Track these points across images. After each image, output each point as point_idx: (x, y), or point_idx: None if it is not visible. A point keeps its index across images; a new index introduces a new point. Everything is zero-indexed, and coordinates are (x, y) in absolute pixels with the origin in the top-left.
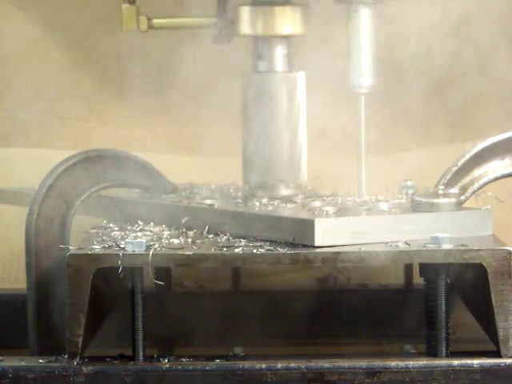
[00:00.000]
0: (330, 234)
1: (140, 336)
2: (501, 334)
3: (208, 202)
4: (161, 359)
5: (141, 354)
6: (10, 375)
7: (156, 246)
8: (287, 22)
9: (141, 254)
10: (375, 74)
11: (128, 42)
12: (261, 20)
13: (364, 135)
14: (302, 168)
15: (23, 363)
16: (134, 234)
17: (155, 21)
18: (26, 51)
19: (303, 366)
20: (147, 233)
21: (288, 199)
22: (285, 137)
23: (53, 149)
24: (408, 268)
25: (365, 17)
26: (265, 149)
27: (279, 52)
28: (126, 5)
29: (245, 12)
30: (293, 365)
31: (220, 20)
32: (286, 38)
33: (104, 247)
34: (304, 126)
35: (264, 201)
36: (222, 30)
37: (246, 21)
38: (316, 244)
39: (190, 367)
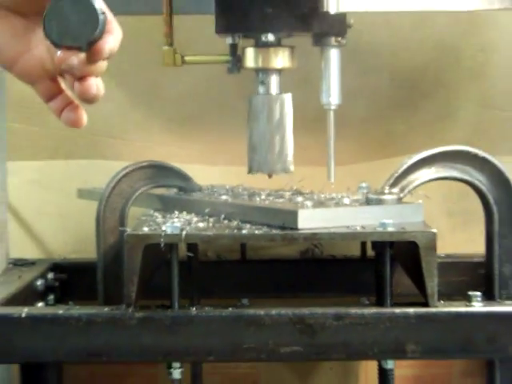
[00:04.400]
0: (309, 220)
1: (176, 292)
2: (429, 290)
3: (224, 197)
4: (190, 308)
5: (176, 304)
6: (84, 319)
7: (187, 228)
8: (279, 58)
9: (177, 234)
10: (341, 95)
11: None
12: (260, 57)
13: (333, 142)
14: (289, 158)
15: (94, 311)
16: (171, 220)
17: (187, 58)
18: None
19: (290, 313)
20: (181, 219)
21: (279, 195)
22: (277, 138)
23: (116, 160)
24: (363, 244)
25: (333, 54)
26: (263, 146)
27: (274, 80)
28: (166, 46)
29: (249, 51)
30: (283, 312)
31: (232, 57)
32: (279, 70)
33: (151, 229)
34: (291, 131)
35: (263, 197)
36: (234, 64)
37: (250, 58)
38: (299, 227)
39: (211, 313)
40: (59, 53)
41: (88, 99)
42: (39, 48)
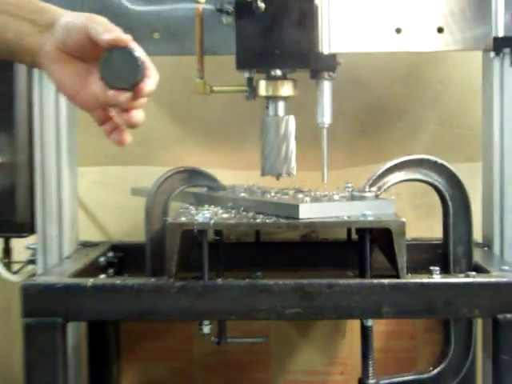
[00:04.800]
0: (307, 212)
1: (206, 266)
2: (399, 266)
3: (242, 194)
4: (217, 279)
5: (206, 276)
6: (136, 288)
7: (215, 218)
8: (285, 88)
9: (206, 222)
10: (332, 116)
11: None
12: (270, 87)
13: (326, 152)
14: (292, 164)
15: (143, 281)
16: (203, 212)
17: (215, 88)
18: None
19: (293, 283)
20: (210, 211)
21: (284, 193)
22: (283, 149)
23: (160, 166)
24: (349, 230)
25: (326, 85)
26: (272, 155)
27: (280, 105)
28: (198, 79)
29: (262, 83)
30: (287, 282)
31: (249, 87)
32: (284, 97)
33: (187, 219)
34: (294, 144)
35: (272, 194)
36: (250, 93)
37: (263, 88)
38: (300, 217)
39: (233, 283)
40: (111, 92)
41: (131, 126)
42: (95, 85)
